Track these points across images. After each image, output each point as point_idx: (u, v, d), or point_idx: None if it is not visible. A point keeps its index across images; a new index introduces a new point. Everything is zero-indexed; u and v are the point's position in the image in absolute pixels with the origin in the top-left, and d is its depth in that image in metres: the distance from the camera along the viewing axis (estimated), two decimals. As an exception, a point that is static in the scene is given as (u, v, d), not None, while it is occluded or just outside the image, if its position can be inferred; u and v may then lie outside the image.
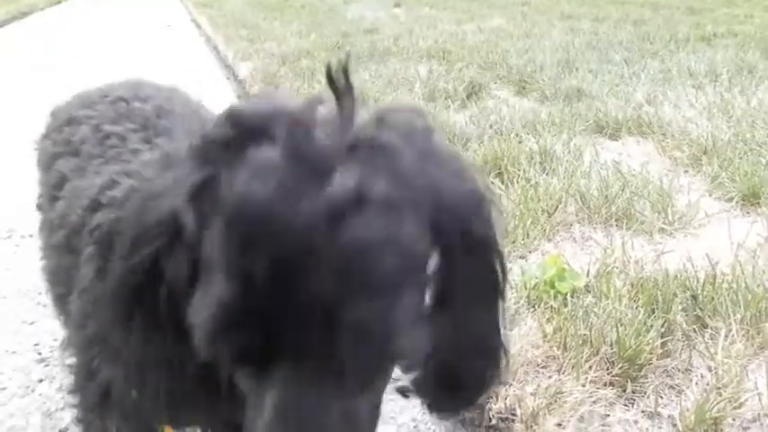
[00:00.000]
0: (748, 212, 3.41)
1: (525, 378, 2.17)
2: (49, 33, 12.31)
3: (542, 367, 2.24)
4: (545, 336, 2.33)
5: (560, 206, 3.32)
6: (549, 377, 2.18)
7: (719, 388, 2.08)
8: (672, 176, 3.75)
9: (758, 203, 3.43)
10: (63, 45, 10.39)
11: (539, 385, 2.13)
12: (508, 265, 1.02)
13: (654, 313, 2.39)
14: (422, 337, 0.82)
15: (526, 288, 2.59)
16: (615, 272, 2.71)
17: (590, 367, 2.17)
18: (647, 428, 2.03)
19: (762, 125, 4.59)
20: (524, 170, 3.76)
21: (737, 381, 2.09)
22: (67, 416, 2.15)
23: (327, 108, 0.84)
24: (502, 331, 1.02)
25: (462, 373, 1.01)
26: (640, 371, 2.19)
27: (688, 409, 2.01)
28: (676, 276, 2.61)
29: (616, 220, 3.25)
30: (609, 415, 2.07)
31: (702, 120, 4.86)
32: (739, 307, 2.40)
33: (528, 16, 11.46)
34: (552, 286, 2.59)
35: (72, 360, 1.32)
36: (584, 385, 2.12)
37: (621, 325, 2.28)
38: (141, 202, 0.89)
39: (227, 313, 0.74)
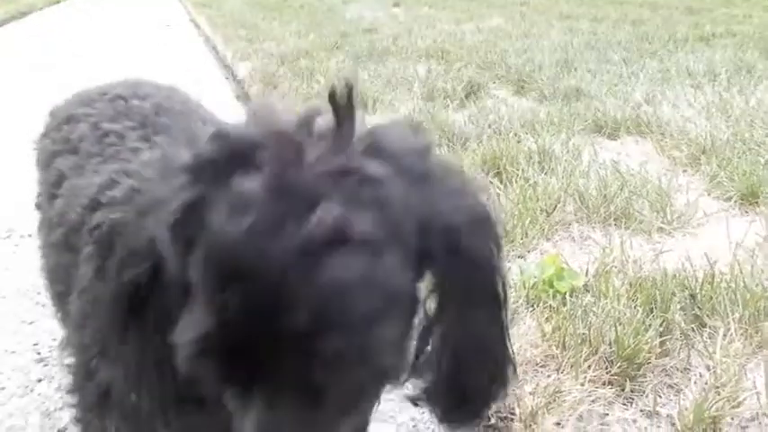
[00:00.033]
0: (747, 212, 3.41)
1: (524, 377, 2.17)
2: (48, 33, 12.31)
3: (541, 366, 2.24)
4: (544, 335, 2.33)
5: (559, 206, 3.32)
6: (548, 376, 2.18)
7: (718, 387, 2.08)
8: (670, 176, 3.75)
9: (756, 203, 3.44)
10: (62, 45, 10.39)
11: (537, 384, 2.14)
12: (509, 278, 1.02)
13: (652, 312, 2.39)
14: (404, 361, 0.83)
15: (525, 287, 2.59)
16: (614, 271, 2.71)
17: (589, 366, 2.18)
18: (645, 427, 2.03)
19: (760, 125, 4.59)
20: (523, 170, 3.76)
21: (736, 380, 2.09)
22: (66, 415, 2.15)
23: (324, 122, 0.83)
24: (508, 345, 1.01)
25: (468, 386, 1.00)
26: (639, 370, 2.19)
27: (686, 408, 2.02)
28: (675, 275, 2.62)
29: (615, 220, 3.25)
30: (608, 414, 2.07)
31: (701, 119, 4.87)
32: (738, 306, 2.40)
33: (527, 16, 11.46)
34: (551, 285, 2.59)
35: (71, 360, 1.32)
36: (582, 384, 2.13)
37: (620, 324, 2.28)
38: (132, 219, 0.89)
39: (206, 341, 0.75)
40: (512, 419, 2.06)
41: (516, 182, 3.61)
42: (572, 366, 2.19)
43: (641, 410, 2.09)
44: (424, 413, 2.14)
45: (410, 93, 5.93)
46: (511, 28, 9.89)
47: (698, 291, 2.51)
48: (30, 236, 3.13)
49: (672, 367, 2.22)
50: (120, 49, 9.58)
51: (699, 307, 2.44)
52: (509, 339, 1.01)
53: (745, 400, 2.05)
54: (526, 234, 3.06)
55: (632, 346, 2.19)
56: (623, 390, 2.14)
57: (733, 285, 2.51)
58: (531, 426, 2.01)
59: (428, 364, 0.96)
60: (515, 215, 3.18)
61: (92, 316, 1.16)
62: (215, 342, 0.74)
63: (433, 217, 0.83)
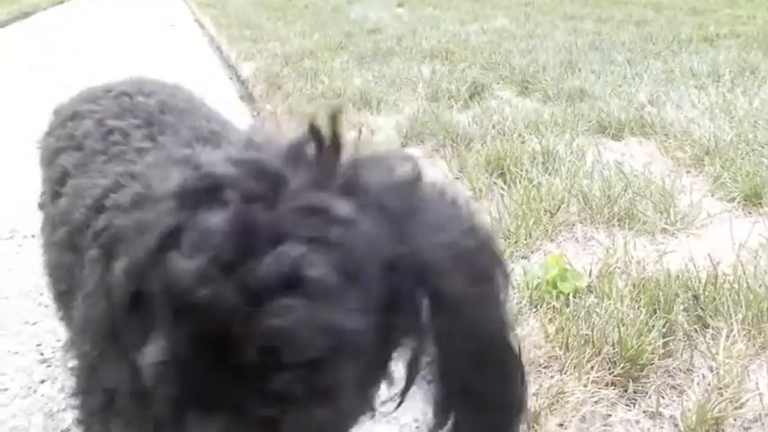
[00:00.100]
0: (750, 213, 3.41)
1: (527, 378, 2.17)
2: (52, 33, 12.32)
3: (544, 367, 2.24)
4: (547, 336, 2.33)
5: (563, 206, 3.32)
6: (551, 377, 2.18)
7: (721, 388, 2.08)
8: (674, 177, 3.75)
9: (760, 204, 3.43)
10: (64, 45, 10.40)
11: (541, 385, 2.13)
12: (511, 317, 0.98)
13: (656, 313, 2.39)
14: (365, 404, 0.83)
15: (528, 288, 2.59)
16: (617, 272, 2.71)
17: (592, 367, 2.18)
18: (648, 428, 2.03)
19: (764, 125, 4.59)
20: (527, 170, 3.76)
21: (739, 381, 2.09)
22: (69, 417, 2.15)
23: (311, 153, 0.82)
24: (518, 385, 0.99)
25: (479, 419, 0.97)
26: (642, 371, 2.19)
27: (689, 410, 2.01)
28: (678, 276, 2.61)
29: (618, 221, 3.25)
30: (611, 415, 2.07)
31: (705, 120, 4.86)
32: (741, 307, 2.40)
33: (531, 17, 11.45)
34: (554, 286, 2.59)
35: (74, 363, 1.32)
36: (585, 385, 2.12)
37: (623, 325, 2.28)
38: (124, 238, 0.89)
39: (163, 368, 0.76)
40: (514, 420, 2.05)
41: (520, 182, 3.61)
42: (575, 367, 2.19)
43: (644, 411, 2.09)
44: (427, 414, 2.13)
45: (414, 93, 5.94)
46: (515, 29, 9.88)
47: (701, 292, 2.51)
48: (32, 236, 3.13)
49: (675, 368, 2.22)
50: (124, 49, 9.59)
51: (702, 308, 2.44)
52: (519, 386, 0.99)
53: (747, 401, 2.05)
54: (530, 235, 3.06)
55: (635, 347, 2.19)
56: (626, 391, 2.14)
57: (736, 286, 2.51)
58: (534, 427, 2.01)
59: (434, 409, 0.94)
60: (519, 216, 3.19)
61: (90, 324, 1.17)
62: (172, 370, 0.75)
63: (406, 256, 0.81)
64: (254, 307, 0.72)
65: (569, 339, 2.27)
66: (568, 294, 2.53)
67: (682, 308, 2.43)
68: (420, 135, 4.71)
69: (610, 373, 2.17)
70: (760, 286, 2.51)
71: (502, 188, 3.61)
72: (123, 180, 1.37)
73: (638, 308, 2.42)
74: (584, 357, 2.20)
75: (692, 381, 2.17)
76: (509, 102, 5.66)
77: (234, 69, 8.11)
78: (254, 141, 0.88)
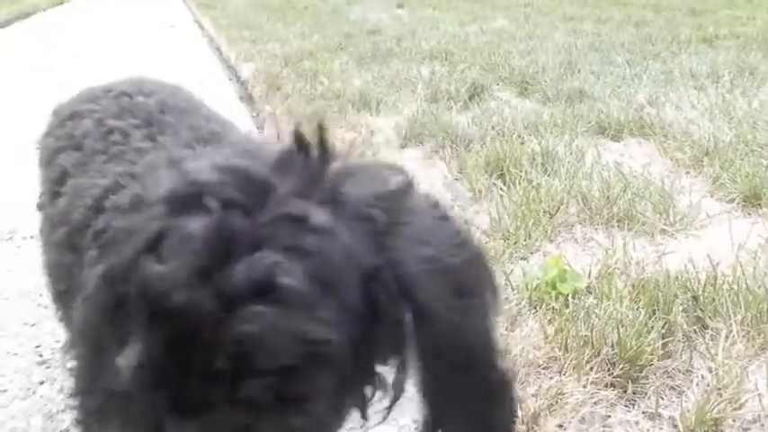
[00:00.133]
0: (749, 214, 3.41)
1: (526, 379, 2.17)
2: (52, 34, 12.32)
3: (543, 368, 2.24)
4: (546, 337, 2.33)
5: (562, 207, 3.33)
6: (551, 378, 2.18)
7: (720, 389, 2.08)
8: (673, 178, 3.75)
9: (759, 205, 3.43)
10: (65, 46, 10.40)
11: (540, 386, 2.14)
12: (500, 340, 0.97)
13: (655, 314, 2.39)
14: (340, 412, 0.84)
15: (528, 289, 2.60)
16: (616, 273, 2.71)
17: (591, 368, 2.18)
18: (647, 429, 2.03)
19: (763, 126, 4.59)
20: (526, 171, 3.76)
21: (738, 382, 2.09)
22: (68, 418, 2.15)
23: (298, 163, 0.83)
24: (505, 407, 0.98)
25: None
26: (641, 372, 2.19)
27: (689, 410, 2.01)
28: (677, 277, 2.62)
29: (617, 222, 3.25)
30: (610, 416, 2.07)
31: (704, 121, 4.86)
32: (740, 308, 2.40)
33: (531, 18, 11.45)
34: (554, 287, 2.59)
35: (73, 364, 1.32)
36: (585, 386, 2.13)
37: (622, 326, 2.28)
38: (114, 241, 0.89)
39: (137, 371, 0.76)
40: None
41: (519, 183, 3.61)
42: (574, 368, 2.19)
43: (643, 412, 2.09)
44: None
45: (414, 94, 5.94)
46: (515, 29, 9.88)
47: (700, 293, 2.51)
48: (32, 237, 3.13)
49: (674, 369, 2.22)
50: (124, 50, 9.58)
51: (701, 309, 2.44)
52: (506, 409, 0.98)
53: (747, 402, 2.05)
54: (529, 235, 3.06)
55: (634, 347, 2.19)
56: (625, 392, 2.14)
57: (735, 287, 2.51)
58: (533, 428, 2.01)
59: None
60: (518, 217, 3.19)
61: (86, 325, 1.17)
62: (148, 374, 0.76)
63: (387, 268, 0.81)
64: (227, 312, 0.72)
65: (568, 340, 2.27)
66: (567, 295, 2.54)
67: (681, 309, 2.43)
68: (419, 136, 4.71)
69: (609, 374, 2.17)
70: (759, 287, 2.51)
71: (501, 189, 3.61)
72: (123, 180, 1.37)
73: (638, 309, 2.42)
74: (583, 358, 2.20)
75: (692, 381, 2.17)
76: (508, 103, 5.66)
77: (233, 70, 8.11)
78: (248, 148, 0.89)
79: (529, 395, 2.10)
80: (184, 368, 0.74)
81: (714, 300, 2.46)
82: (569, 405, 2.06)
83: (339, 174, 0.83)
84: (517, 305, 2.50)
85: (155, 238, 0.78)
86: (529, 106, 5.55)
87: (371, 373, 0.86)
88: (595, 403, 2.09)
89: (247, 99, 6.58)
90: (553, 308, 2.47)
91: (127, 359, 0.77)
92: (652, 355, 2.21)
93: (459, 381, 0.89)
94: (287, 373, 0.74)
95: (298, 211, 0.77)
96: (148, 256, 0.76)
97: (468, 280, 0.87)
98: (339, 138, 4.67)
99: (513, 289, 2.62)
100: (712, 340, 2.31)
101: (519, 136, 4.52)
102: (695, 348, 2.28)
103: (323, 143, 0.83)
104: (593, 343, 2.24)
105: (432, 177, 3.95)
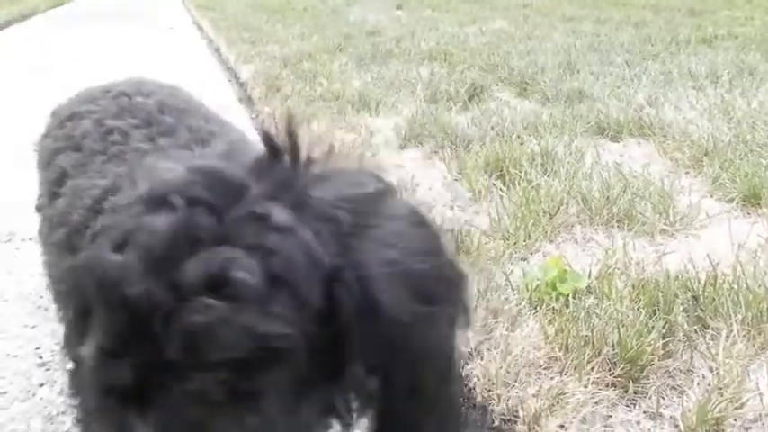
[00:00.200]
0: (749, 213, 3.41)
1: (527, 380, 2.17)
2: (51, 36, 12.30)
3: (544, 369, 2.24)
4: (547, 337, 2.33)
5: (562, 208, 3.32)
6: (551, 378, 2.18)
7: (721, 388, 2.07)
8: (673, 178, 3.75)
9: (759, 204, 3.43)
10: (64, 47, 10.38)
11: (541, 387, 2.13)
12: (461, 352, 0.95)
13: (655, 314, 2.38)
14: (296, 411, 0.83)
15: (528, 290, 2.59)
16: (616, 273, 2.71)
17: (592, 368, 2.17)
18: (648, 429, 2.03)
19: (762, 126, 4.59)
20: (526, 172, 3.76)
21: (739, 381, 2.09)
22: (68, 420, 2.15)
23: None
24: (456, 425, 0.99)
25: None
26: (642, 372, 2.19)
27: (690, 410, 2.01)
28: (677, 277, 2.61)
29: (617, 222, 3.24)
30: (611, 416, 2.07)
31: (703, 121, 4.86)
32: (740, 307, 2.40)
33: (530, 18, 11.45)
34: (554, 288, 2.59)
35: (72, 364, 1.32)
36: (586, 386, 2.12)
37: (623, 326, 2.28)
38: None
39: (99, 360, 0.79)
40: (515, 422, 2.06)
41: (519, 184, 3.61)
42: (575, 368, 2.19)
43: (644, 412, 2.08)
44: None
45: (413, 95, 5.93)
46: (514, 30, 9.89)
47: (701, 292, 2.51)
48: (31, 239, 3.12)
49: (675, 369, 2.22)
50: (123, 51, 9.57)
51: (701, 308, 2.44)
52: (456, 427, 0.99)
53: (748, 401, 2.05)
54: (529, 236, 3.06)
55: (635, 347, 2.19)
56: (626, 391, 2.14)
57: (735, 287, 2.51)
58: (534, 428, 2.01)
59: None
60: (518, 217, 3.19)
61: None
62: (105, 364, 0.78)
63: (347, 268, 0.81)
64: (180, 304, 0.74)
65: (569, 340, 2.27)
66: (568, 295, 2.53)
67: (681, 308, 2.43)
68: (419, 137, 4.71)
69: (610, 374, 2.17)
70: (759, 286, 2.51)
71: (501, 189, 3.60)
72: (122, 181, 1.36)
73: (638, 309, 2.42)
74: (584, 358, 2.19)
75: (692, 381, 2.17)
76: (508, 103, 5.66)
77: (233, 72, 8.10)
78: (235, 150, 0.91)
79: (530, 395, 2.10)
80: (141, 360, 0.75)
81: (714, 299, 2.46)
82: (570, 405, 2.06)
83: (312, 178, 0.85)
84: (517, 306, 2.49)
85: (124, 234, 0.80)
86: (528, 107, 5.55)
87: (337, 375, 0.85)
88: (596, 403, 2.08)
89: (247, 100, 6.57)
90: (553, 308, 2.47)
91: (86, 350, 0.79)
92: (653, 354, 2.21)
93: (410, 390, 0.88)
94: (239, 367, 0.75)
95: (261, 210, 0.79)
96: (111, 250, 0.79)
97: (435, 287, 0.87)
98: (338, 138, 4.67)
99: (513, 289, 2.62)
100: (713, 340, 2.31)
101: (518, 136, 4.52)
102: (696, 348, 2.28)
103: (294, 148, 0.85)
104: (593, 343, 2.24)
105: (431, 178, 3.96)
